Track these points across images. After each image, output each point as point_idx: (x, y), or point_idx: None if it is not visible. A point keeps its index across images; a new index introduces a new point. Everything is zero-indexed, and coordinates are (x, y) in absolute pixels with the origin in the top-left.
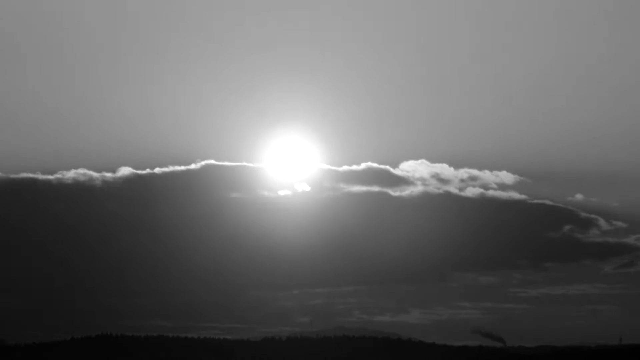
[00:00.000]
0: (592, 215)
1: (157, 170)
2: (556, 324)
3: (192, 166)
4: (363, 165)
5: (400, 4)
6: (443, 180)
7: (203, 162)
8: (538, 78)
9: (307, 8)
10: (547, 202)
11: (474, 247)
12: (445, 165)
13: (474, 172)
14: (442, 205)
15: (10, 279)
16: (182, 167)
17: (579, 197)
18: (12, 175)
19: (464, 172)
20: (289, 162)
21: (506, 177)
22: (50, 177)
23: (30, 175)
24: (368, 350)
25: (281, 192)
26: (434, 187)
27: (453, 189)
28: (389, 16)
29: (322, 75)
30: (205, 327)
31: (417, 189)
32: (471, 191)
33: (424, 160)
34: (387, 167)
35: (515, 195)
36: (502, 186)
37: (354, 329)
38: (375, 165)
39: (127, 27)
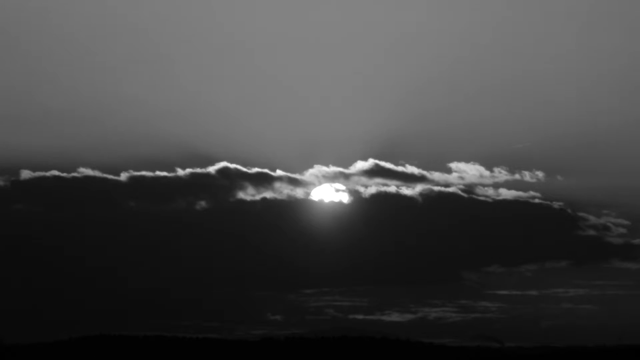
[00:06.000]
0: (617, 219)
1: (167, 172)
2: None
3: (209, 169)
4: (367, 164)
5: (400, 4)
6: (455, 179)
7: (218, 165)
8: (550, 75)
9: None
10: (559, 203)
11: (484, 245)
12: (461, 164)
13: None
14: (446, 204)
15: (9, 279)
16: (193, 169)
17: (601, 196)
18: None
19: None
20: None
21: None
22: (55, 175)
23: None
24: (367, 350)
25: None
26: (439, 186)
27: (462, 187)
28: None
29: (333, 74)
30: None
31: (425, 187)
32: (483, 191)
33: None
34: (391, 165)
35: (533, 194)
36: (519, 185)
37: (353, 329)
38: (379, 163)
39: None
